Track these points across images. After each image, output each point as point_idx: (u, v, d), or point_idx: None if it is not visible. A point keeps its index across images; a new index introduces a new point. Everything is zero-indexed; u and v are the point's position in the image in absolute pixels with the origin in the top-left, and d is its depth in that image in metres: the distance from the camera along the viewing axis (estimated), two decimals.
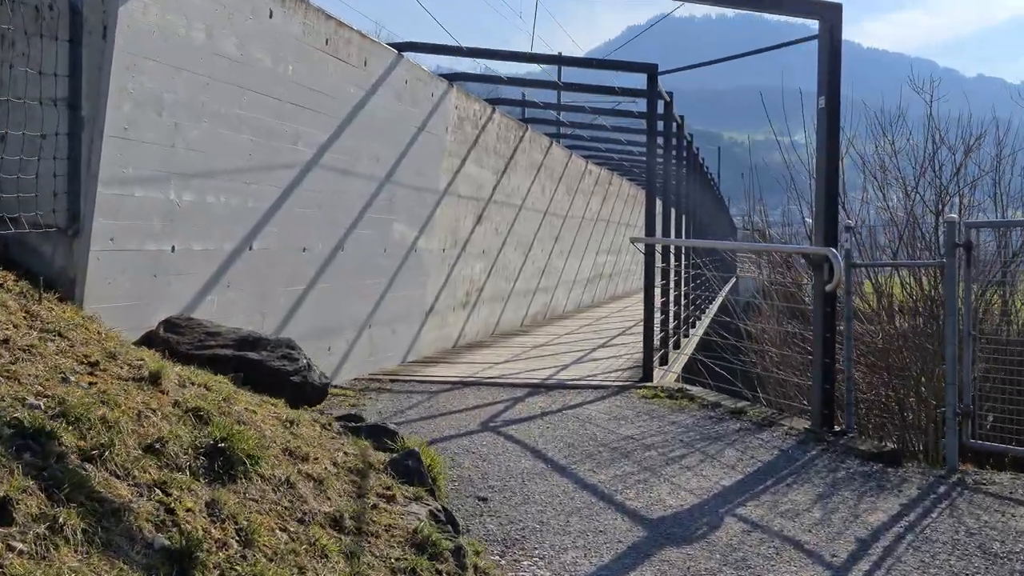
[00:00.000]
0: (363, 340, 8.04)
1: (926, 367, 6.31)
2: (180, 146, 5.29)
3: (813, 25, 6.10)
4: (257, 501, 3.34)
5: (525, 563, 3.83)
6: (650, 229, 8.42)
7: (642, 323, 8.28)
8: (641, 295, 8.79)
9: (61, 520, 2.54)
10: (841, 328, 6.11)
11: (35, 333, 3.87)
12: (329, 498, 3.65)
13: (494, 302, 12.08)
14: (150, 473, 3.14)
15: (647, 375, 7.97)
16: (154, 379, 3.81)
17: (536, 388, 7.71)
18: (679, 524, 4.38)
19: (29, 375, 3.38)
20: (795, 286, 9.47)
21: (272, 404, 4.40)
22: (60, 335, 3.96)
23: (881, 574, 3.84)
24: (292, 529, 3.28)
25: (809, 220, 12.90)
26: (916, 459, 6.10)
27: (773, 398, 7.66)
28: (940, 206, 7.09)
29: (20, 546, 2.40)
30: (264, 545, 3.04)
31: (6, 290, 4.24)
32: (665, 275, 9.53)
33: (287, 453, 3.80)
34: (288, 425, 4.13)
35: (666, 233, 10.24)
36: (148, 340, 5.01)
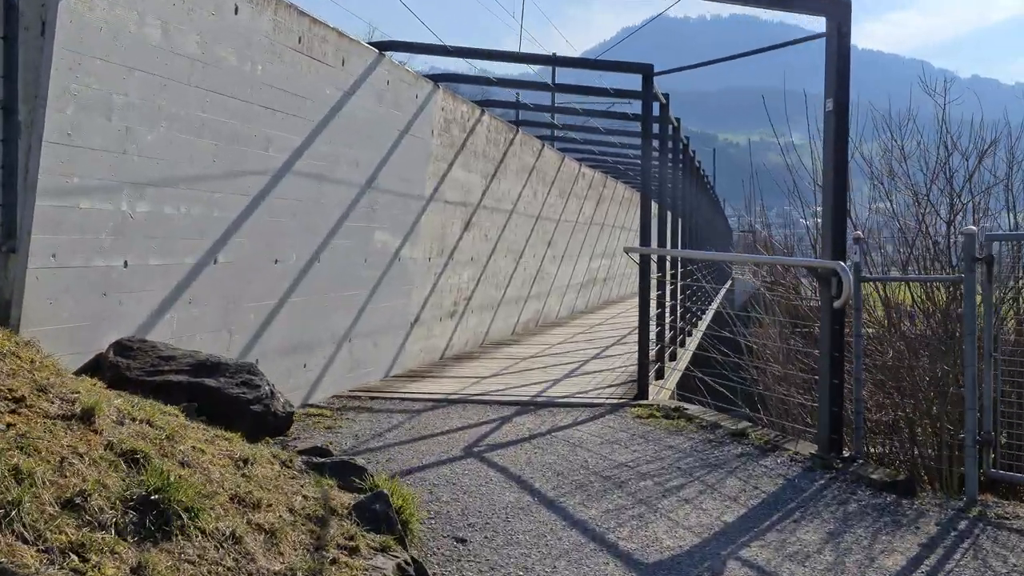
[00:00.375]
0: (342, 355, 7.61)
1: (940, 387, 5.90)
2: (133, 152, 4.86)
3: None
4: (195, 563, 2.91)
5: None
6: (646, 238, 8.01)
7: (636, 331, 7.88)
8: (636, 300, 8.38)
9: None
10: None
11: None
12: (282, 553, 3.22)
13: (483, 311, 11.65)
14: (66, 534, 2.71)
15: (642, 392, 7.55)
16: (86, 416, 3.38)
17: (525, 406, 7.29)
18: (677, 570, 3.97)
19: None
20: (797, 296, 9.08)
21: (226, 439, 3.98)
22: None
23: None
24: None
25: (803, 221, 12.51)
26: (931, 487, 5.69)
27: (776, 419, 7.25)
28: (952, 215, 6.68)
29: None
30: None
31: None
32: (661, 285, 9.12)
33: (236, 500, 3.37)
34: (241, 465, 3.70)
35: (662, 238, 9.81)
36: (96, 365, 4.58)
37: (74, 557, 2.64)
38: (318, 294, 7.08)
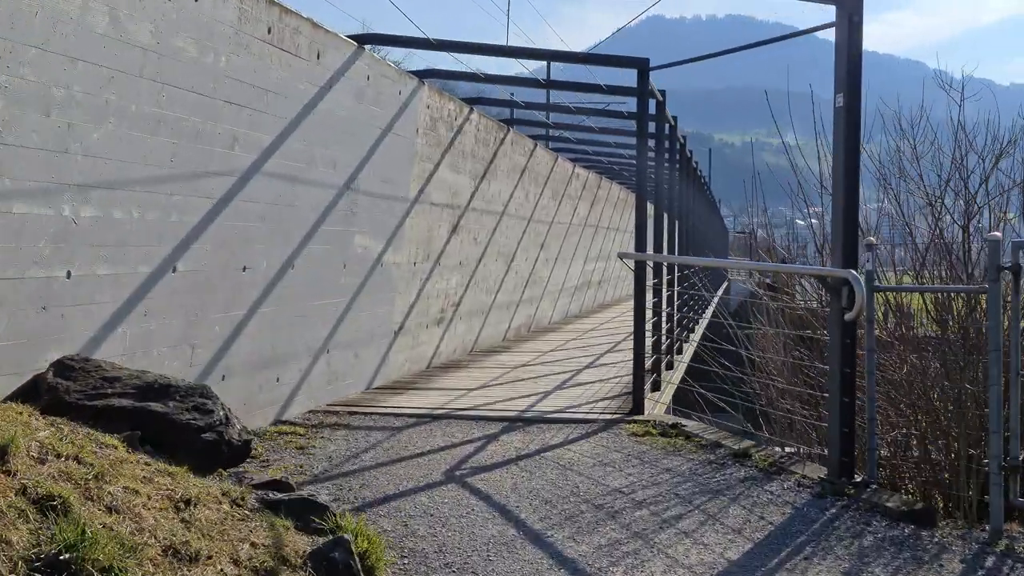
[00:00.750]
0: (320, 367, 7.16)
1: (958, 404, 5.48)
2: (76, 152, 4.41)
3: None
4: None
5: None
6: (641, 242, 7.57)
7: (631, 336, 7.45)
8: (631, 302, 7.95)
9: None
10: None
11: None
12: None
13: (473, 317, 11.21)
14: None
15: (637, 406, 7.11)
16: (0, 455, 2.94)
17: (513, 423, 6.85)
18: None
19: None
20: (797, 300, 8.66)
21: (170, 474, 3.53)
22: None
23: None
24: None
25: (801, 222, 12.09)
26: (951, 516, 5.26)
27: (779, 437, 6.82)
28: (967, 219, 6.26)
29: None
30: None
31: None
32: (657, 293, 8.69)
33: (170, 553, 2.93)
34: (182, 507, 3.25)
35: (658, 242, 9.38)
36: (34, 388, 4.13)
37: None
38: (292, 303, 6.64)
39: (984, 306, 5.26)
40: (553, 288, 15.48)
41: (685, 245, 13.14)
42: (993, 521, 4.61)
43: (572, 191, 16.44)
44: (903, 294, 6.45)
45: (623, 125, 13.20)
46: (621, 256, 7.55)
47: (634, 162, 12.36)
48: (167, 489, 3.35)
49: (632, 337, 7.52)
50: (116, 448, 3.60)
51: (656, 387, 8.17)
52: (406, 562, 3.98)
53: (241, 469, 4.15)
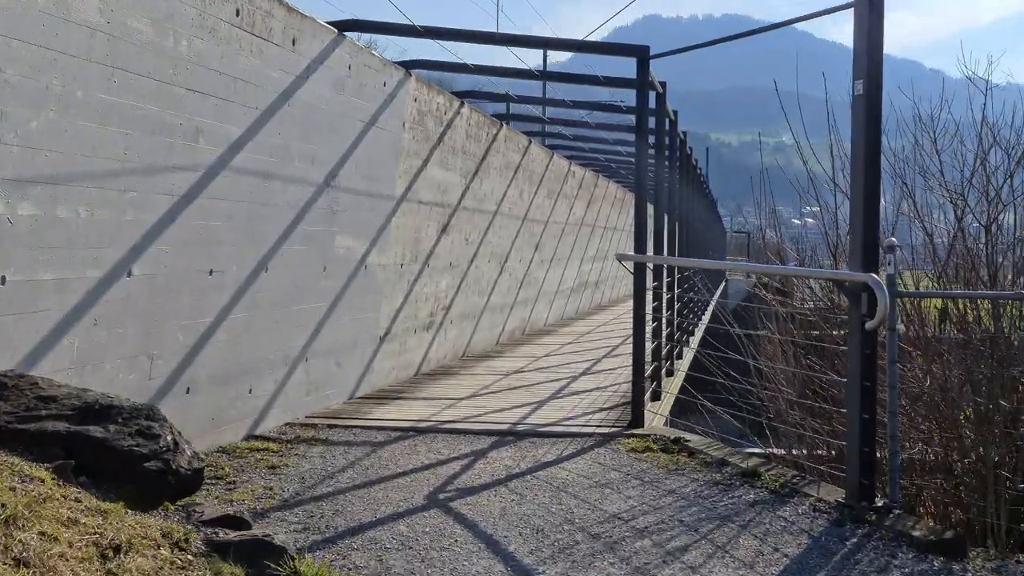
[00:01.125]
0: (298, 376, 6.70)
1: (987, 421, 5.03)
2: (12, 143, 3.94)
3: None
4: None
5: None
6: (640, 243, 7.11)
7: (631, 339, 6.99)
8: (629, 303, 7.48)
9: None
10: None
11: None
12: None
13: (464, 321, 10.74)
14: None
15: (636, 419, 6.65)
16: None
17: (503, 437, 6.39)
18: None
19: None
20: (807, 304, 8.21)
21: (102, 513, 3.06)
22: None
23: None
24: None
25: (797, 221, 11.65)
26: (976, 542, 4.82)
27: (790, 454, 6.37)
28: (990, 219, 5.81)
29: None
30: None
31: None
32: (657, 297, 8.23)
33: None
34: (110, 555, 2.79)
35: (658, 242, 8.92)
36: None
37: None
38: (266, 308, 6.17)
39: (1016, 313, 4.82)
40: (548, 290, 15.03)
41: (685, 246, 12.69)
42: None
43: (568, 190, 15.98)
44: (921, 302, 6.02)
45: (621, 121, 12.74)
46: (619, 258, 7.09)
47: (632, 160, 11.92)
48: (95, 533, 2.88)
49: (630, 340, 7.07)
50: (43, 482, 3.14)
51: (656, 396, 7.71)
52: None
53: (192, 500, 3.67)
